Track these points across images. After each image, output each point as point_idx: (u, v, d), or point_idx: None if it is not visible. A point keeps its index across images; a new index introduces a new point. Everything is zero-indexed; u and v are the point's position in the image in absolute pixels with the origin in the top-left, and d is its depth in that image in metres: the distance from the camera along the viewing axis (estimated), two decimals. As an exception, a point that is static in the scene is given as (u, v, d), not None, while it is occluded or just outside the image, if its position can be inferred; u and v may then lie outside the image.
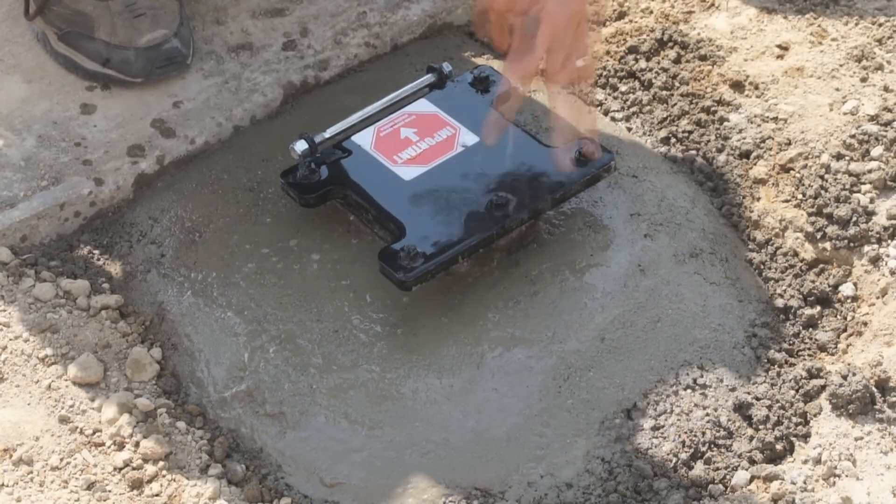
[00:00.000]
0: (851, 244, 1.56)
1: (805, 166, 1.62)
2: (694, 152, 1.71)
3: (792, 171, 1.63)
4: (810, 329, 1.53)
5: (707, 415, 1.42)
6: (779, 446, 1.36)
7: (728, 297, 1.54)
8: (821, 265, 1.58)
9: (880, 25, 1.78)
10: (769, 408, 1.40)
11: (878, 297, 1.51)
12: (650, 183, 1.65)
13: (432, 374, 1.45)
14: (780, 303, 1.55)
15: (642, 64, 1.80)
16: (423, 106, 1.63)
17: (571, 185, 1.54)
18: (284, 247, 1.56)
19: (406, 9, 1.86)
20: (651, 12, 1.86)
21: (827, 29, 1.79)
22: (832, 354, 1.48)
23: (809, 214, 1.59)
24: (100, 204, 1.62)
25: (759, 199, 1.64)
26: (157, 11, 1.71)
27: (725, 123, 1.70)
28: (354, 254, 1.55)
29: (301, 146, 1.54)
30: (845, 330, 1.51)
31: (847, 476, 1.29)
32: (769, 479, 1.30)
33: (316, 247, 1.57)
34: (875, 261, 1.53)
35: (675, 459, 1.37)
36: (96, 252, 1.59)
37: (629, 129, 1.77)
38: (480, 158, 1.57)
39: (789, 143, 1.65)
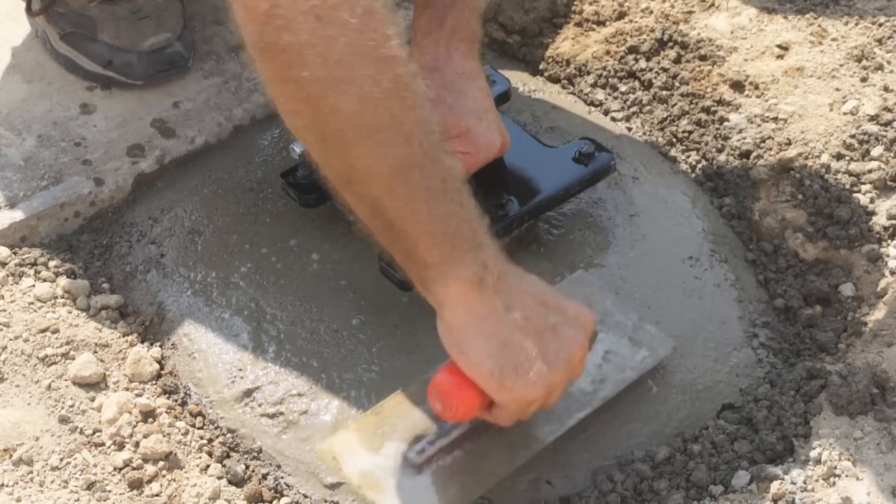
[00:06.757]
0: (851, 244, 1.55)
1: (805, 166, 1.62)
2: (694, 152, 1.71)
3: (792, 171, 1.63)
4: (810, 329, 1.52)
5: (707, 415, 1.42)
6: (779, 446, 1.36)
7: (728, 297, 1.54)
8: (821, 265, 1.58)
9: (880, 25, 1.78)
10: (769, 408, 1.39)
11: (878, 297, 1.51)
12: (650, 183, 1.65)
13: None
14: (780, 303, 1.55)
15: (642, 64, 1.80)
16: None
17: (571, 185, 1.54)
18: (284, 247, 1.56)
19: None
20: (651, 12, 1.86)
21: (827, 29, 1.79)
22: (832, 354, 1.48)
23: (809, 214, 1.59)
24: (100, 204, 1.62)
25: (759, 199, 1.64)
26: (162, 13, 1.71)
27: (725, 123, 1.70)
28: (354, 254, 1.55)
29: (301, 146, 1.54)
30: (845, 330, 1.51)
31: (847, 476, 1.29)
32: (769, 479, 1.30)
33: (316, 247, 1.56)
34: (875, 261, 1.53)
35: (675, 460, 1.37)
36: (96, 252, 1.58)
37: (629, 129, 1.77)
38: None
39: (789, 143, 1.65)
